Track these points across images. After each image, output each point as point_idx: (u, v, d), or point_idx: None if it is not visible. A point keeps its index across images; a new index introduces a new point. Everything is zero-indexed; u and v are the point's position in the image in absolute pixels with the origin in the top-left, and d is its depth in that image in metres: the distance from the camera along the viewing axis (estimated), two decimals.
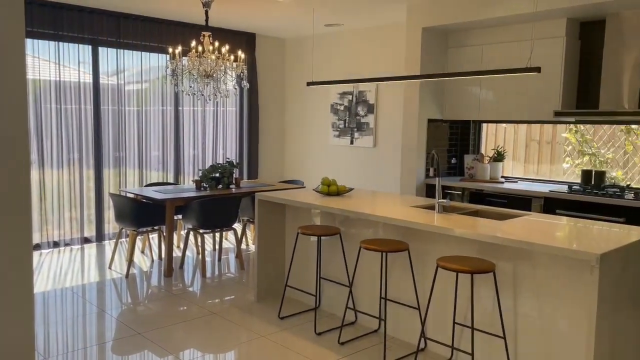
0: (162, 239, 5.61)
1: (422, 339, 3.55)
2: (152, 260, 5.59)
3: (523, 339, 3.01)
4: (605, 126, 4.99)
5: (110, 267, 5.28)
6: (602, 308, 2.53)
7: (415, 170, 5.57)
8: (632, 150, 4.84)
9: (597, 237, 2.84)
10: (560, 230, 3.01)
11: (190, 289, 4.70)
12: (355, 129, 7.02)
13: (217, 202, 5.05)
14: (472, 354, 2.90)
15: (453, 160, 5.93)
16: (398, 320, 3.69)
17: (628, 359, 2.87)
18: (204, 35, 5.26)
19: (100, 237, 6.35)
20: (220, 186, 5.63)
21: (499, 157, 5.55)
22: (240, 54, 5.50)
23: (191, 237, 6.52)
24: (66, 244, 6.10)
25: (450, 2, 5.14)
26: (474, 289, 3.23)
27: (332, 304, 4.17)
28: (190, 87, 5.32)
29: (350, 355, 3.42)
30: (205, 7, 5.32)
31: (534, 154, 5.57)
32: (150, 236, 6.39)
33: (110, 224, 6.43)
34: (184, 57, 5.36)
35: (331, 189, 4.21)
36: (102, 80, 6.23)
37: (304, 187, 6.06)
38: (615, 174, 4.93)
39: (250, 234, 6.75)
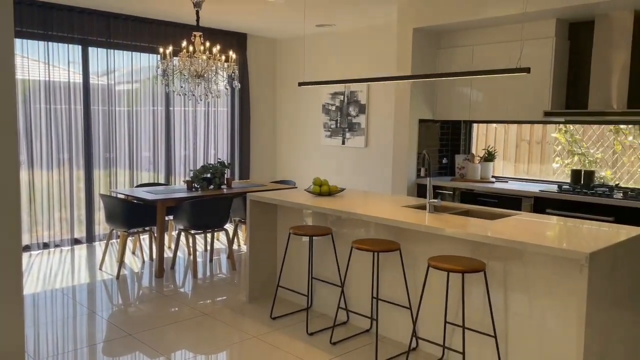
0: (153, 239, 5.59)
1: (414, 339, 3.56)
2: (143, 261, 5.57)
3: (514, 337, 3.03)
4: (595, 126, 5.03)
5: (100, 268, 5.25)
6: (592, 306, 2.55)
7: (406, 170, 5.58)
8: (620, 150, 4.89)
9: (586, 236, 2.86)
10: (550, 229, 3.03)
11: (182, 289, 4.68)
12: (347, 129, 7.03)
13: (209, 203, 5.04)
14: (463, 353, 2.92)
15: (444, 160, 5.95)
16: (390, 320, 3.70)
17: (618, 356, 2.89)
18: (195, 36, 5.25)
19: (90, 238, 6.32)
20: (212, 187, 5.61)
21: (489, 157, 5.58)
22: (232, 54, 5.49)
23: (182, 237, 6.50)
24: (56, 245, 6.06)
25: (441, 2, 5.16)
26: (464, 288, 3.25)
27: (324, 304, 4.17)
28: (181, 87, 5.30)
29: (342, 355, 3.42)
30: (196, 7, 5.30)
31: (524, 153, 5.61)
32: (141, 237, 6.36)
33: (101, 225, 6.39)
34: (174, 57, 5.34)
35: (323, 189, 4.21)
36: (92, 80, 6.19)
37: (296, 187, 6.06)
38: (604, 174, 4.97)
39: (241, 234, 6.74)
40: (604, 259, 2.62)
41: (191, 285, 4.82)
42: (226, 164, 5.75)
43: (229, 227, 7.10)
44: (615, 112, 4.30)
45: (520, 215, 3.49)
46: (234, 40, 7.35)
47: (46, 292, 4.53)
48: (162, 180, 6.86)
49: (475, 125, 5.98)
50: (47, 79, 5.82)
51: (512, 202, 4.88)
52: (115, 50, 6.30)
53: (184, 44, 5.19)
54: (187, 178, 6.99)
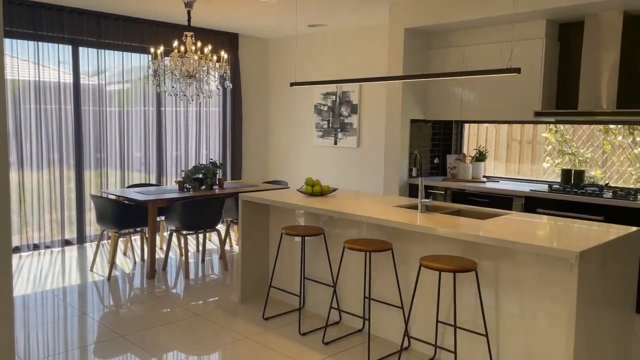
0: (144, 240, 5.56)
1: (406, 338, 3.57)
2: (135, 262, 5.54)
3: (505, 336, 3.05)
4: (584, 126, 5.07)
5: (91, 270, 5.22)
6: (582, 305, 2.57)
7: (398, 170, 5.60)
8: (610, 149, 4.93)
9: (576, 235, 2.88)
10: (541, 228, 3.05)
11: (174, 290, 4.67)
12: (339, 130, 7.04)
13: (200, 203, 5.02)
14: (455, 352, 2.93)
15: (436, 160, 5.97)
16: (382, 320, 3.71)
17: (607, 354, 2.92)
18: (186, 35, 5.23)
19: (81, 239, 6.28)
20: (204, 187, 5.60)
21: (480, 157, 5.61)
22: (223, 54, 5.48)
23: (174, 238, 6.48)
24: (46, 247, 6.02)
25: (432, 3, 5.18)
26: (456, 288, 3.26)
27: (316, 304, 4.17)
28: (173, 87, 5.28)
29: (334, 355, 3.43)
30: (187, 7, 5.29)
31: (515, 153, 5.64)
32: (133, 238, 6.33)
33: (92, 226, 6.35)
34: (166, 57, 5.32)
35: (315, 190, 4.21)
36: (83, 80, 6.16)
37: (288, 187, 6.06)
38: (594, 173, 5.01)
39: (234, 235, 6.73)
40: (594, 258, 2.64)
41: (183, 286, 4.80)
42: (218, 164, 5.74)
43: (221, 227, 7.09)
44: (605, 112, 4.34)
45: (511, 215, 3.51)
46: (226, 40, 7.33)
47: (36, 294, 4.50)
48: (153, 180, 6.84)
49: (466, 125, 6.00)
50: (37, 79, 5.78)
51: (503, 201, 4.91)
52: (106, 50, 6.26)
53: (175, 44, 5.17)
54: (179, 178, 6.96)
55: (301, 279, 3.91)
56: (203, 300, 4.42)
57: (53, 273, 5.10)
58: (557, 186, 4.85)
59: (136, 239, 6.47)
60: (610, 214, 4.28)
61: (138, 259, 5.67)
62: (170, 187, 5.75)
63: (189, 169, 5.66)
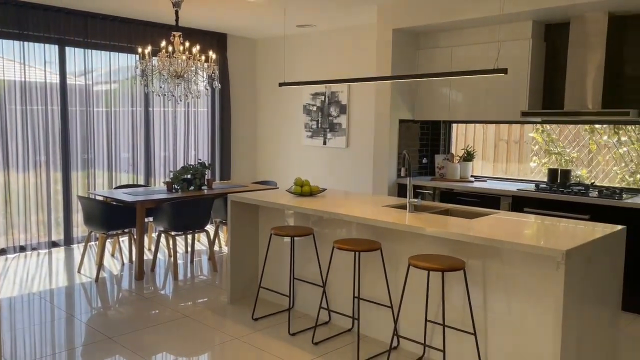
0: (132, 241, 5.53)
1: (395, 337, 3.59)
2: (123, 264, 5.51)
3: (493, 334, 3.07)
4: (571, 126, 5.13)
5: (79, 271, 5.18)
6: (569, 302, 2.60)
7: (387, 170, 5.62)
8: (596, 149, 4.99)
9: (563, 234, 2.91)
10: (528, 227, 3.08)
11: (162, 292, 4.64)
12: (328, 130, 7.05)
13: (189, 204, 5.00)
14: (443, 351, 2.95)
15: (424, 160, 6.00)
16: (371, 319, 3.72)
17: (594, 351, 2.95)
18: (174, 35, 5.21)
19: (68, 240, 6.22)
20: (192, 188, 5.58)
21: (468, 156, 5.65)
22: (211, 55, 5.46)
23: (162, 239, 6.44)
24: (33, 249, 5.96)
25: (420, 4, 5.20)
26: (445, 287, 3.28)
27: (305, 305, 4.18)
28: (161, 87, 5.25)
29: (324, 355, 3.43)
30: (175, 6, 5.27)
31: (502, 153, 5.69)
32: (121, 239, 6.29)
33: (79, 227, 6.30)
34: (153, 57, 5.29)
35: (304, 190, 4.22)
36: (70, 80, 6.11)
37: (277, 187, 6.06)
38: (580, 173, 5.07)
39: (223, 235, 6.71)
40: (580, 256, 2.67)
41: (172, 287, 4.78)
42: (207, 164, 5.72)
43: (210, 228, 7.07)
44: (591, 112, 4.39)
45: (498, 214, 3.54)
46: (214, 41, 7.31)
47: (23, 296, 4.45)
48: (141, 181, 6.80)
49: (454, 126, 6.04)
50: (22, 79, 5.72)
51: (490, 201, 4.95)
52: (93, 50, 6.22)
53: (163, 43, 5.14)
54: (167, 179, 6.93)
55: (290, 279, 3.91)
56: (192, 301, 4.40)
57: (40, 275, 5.06)
58: (544, 185, 4.90)
59: (124, 240, 6.43)
60: (596, 213, 4.33)
61: (126, 261, 5.64)
62: (159, 188, 5.72)
63: (178, 169, 5.63)
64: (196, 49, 5.32)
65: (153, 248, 6.05)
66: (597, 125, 4.95)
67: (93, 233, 5.29)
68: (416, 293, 3.45)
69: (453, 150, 6.03)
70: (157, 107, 6.89)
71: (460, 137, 6.02)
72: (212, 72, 5.44)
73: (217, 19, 6.43)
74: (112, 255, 5.81)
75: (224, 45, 7.46)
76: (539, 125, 5.35)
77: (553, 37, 5.00)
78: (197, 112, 7.33)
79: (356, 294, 3.79)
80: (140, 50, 5.28)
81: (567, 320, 2.61)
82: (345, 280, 3.88)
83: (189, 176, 5.58)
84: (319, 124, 7.15)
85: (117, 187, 5.87)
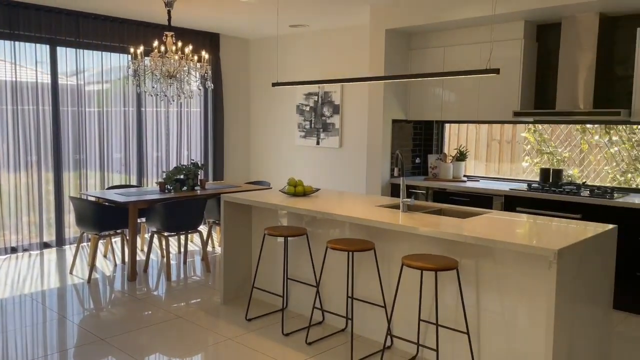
0: (125, 242, 5.50)
1: (389, 337, 3.60)
2: (115, 265, 5.48)
3: (486, 333, 3.09)
4: (562, 126, 5.16)
5: (71, 273, 5.15)
6: (561, 301, 2.62)
7: (380, 170, 5.63)
8: (587, 149, 5.02)
9: (555, 233, 2.93)
10: (520, 227, 3.10)
11: (155, 293, 4.63)
12: (321, 130, 7.05)
13: (182, 205, 4.99)
14: (437, 350, 2.95)
15: (417, 160, 6.02)
16: (365, 319, 3.73)
17: (586, 349, 2.97)
18: (166, 35, 5.19)
19: (60, 241, 6.18)
20: (185, 188, 5.56)
21: (461, 156, 5.67)
22: (204, 54, 5.45)
23: (155, 240, 6.42)
24: (24, 250, 5.92)
25: (413, 4, 5.22)
26: (438, 286, 3.29)
27: (299, 305, 4.18)
28: (153, 87, 5.24)
29: (317, 355, 3.43)
30: (167, 6, 5.25)
31: (494, 153, 5.71)
32: (113, 240, 6.26)
33: (71, 228, 6.27)
34: (146, 57, 5.27)
35: (297, 190, 4.21)
36: (61, 80, 6.07)
37: (270, 188, 6.05)
38: (572, 172, 5.10)
39: (216, 236, 6.69)
40: (571, 256, 2.69)
41: (165, 288, 4.77)
42: (199, 165, 5.70)
43: (203, 228, 7.05)
44: (582, 112, 4.42)
45: (491, 214, 3.56)
46: (207, 41, 7.29)
47: (14, 298, 4.42)
48: (134, 182, 6.77)
49: (447, 125, 6.06)
50: (13, 79, 5.68)
51: (483, 200, 4.97)
52: (85, 50, 6.18)
53: (156, 43, 5.13)
54: (160, 179, 6.91)
55: (284, 280, 3.91)
56: (185, 302, 4.39)
57: (31, 276, 5.02)
58: (536, 185, 4.92)
59: (117, 241, 6.40)
60: (588, 212, 4.36)
61: (119, 262, 5.61)
62: (151, 189, 5.70)
63: (170, 169, 5.61)
64: (189, 49, 5.31)
65: (146, 249, 6.03)
66: (588, 125, 4.98)
67: (85, 234, 5.27)
68: (409, 293, 3.46)
69: (446, 150, 6.05)
70: (150, 107, 6.86)
71: (453, 137, 6.04)
72: (205, 72, 5.43)
73: (210, 19, 6.41)
74: (105, 256, 5.79)
75: (217, 45, 7.45)
76: (531, 125, 5.38)
77: (545, 38, 5.02)
78: (190, 112, 7.31)
79: (350, 294, 3.80)
80: (132, 50, 5.26)
81: (559, 318, 2.62)
82: (338, 280, 3.88)
83: (181, 176, 5.56)
84: (312, 124, 7.15)
85: (109, 188, 5.85)
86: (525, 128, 5.45)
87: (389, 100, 5.59)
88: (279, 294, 4.30)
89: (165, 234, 5.12)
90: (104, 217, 4.88)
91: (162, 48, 5.13)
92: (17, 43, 5.67)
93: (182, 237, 6.39)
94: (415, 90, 5.68)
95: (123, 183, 6.62)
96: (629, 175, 4.77)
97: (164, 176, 5.48)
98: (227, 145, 7.78)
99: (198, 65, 5.36)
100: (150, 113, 6.87)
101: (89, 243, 6.33)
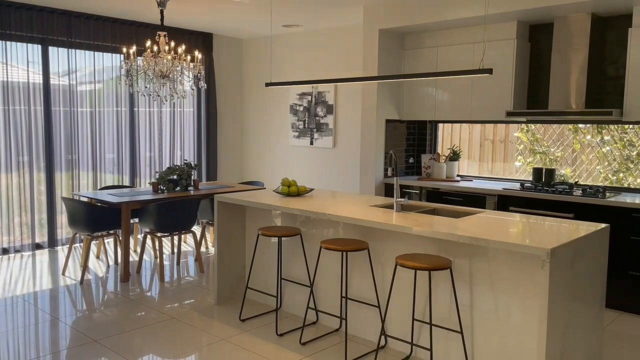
0: (118, 243, 5.48)
1: (383, 337, 3.60)
2: (108, 266, 5.45)
3: (479, 333, 3.09)
4: (555, 125, 5.18)
5: (63, 274, 5.12)
6: (553, 300, 2.63)
7: (374, 170, 5.63)
8: (579, 148, 5.04)
9: (547, 232, 2.94)
10: (513, 226, 3.11)
11: (148, 293, 4.61)
12: (315, 130, 7.05)
13: (175, 205, 4.97)
14: (430, 350, 2.96)
15: (410, 160, 6.03)
16: (359, 319, 3.73)
17: (578, 348, 2.99)
18: (159, 35, 5.17)
19: (52, 242, 6.15)
20: (178, 188, 5.54)
21: (454, 156, 5.68)
22: (197, 54, 5.43)
23: (148, 240, 6.39)
24: (16, 251, 5.88)
25: (406, 4, 5.23)
26: (431, 286, 3.30)
27: (293, 305, 4.17)
28: (146, 87, 5.21)
29: (312, 355, 3.43)
30: (160, 6, 5.23)
31: (488, 153, 5.73)
32: (106, 241, 6.23)
33: (63, 229, 6.23)
34: (138, 57, 5.25)
35: (291, 190, 4.21)
36: (53, 80, 6.03)
37: (264, 188, 6.04)
38: (565, 172, 5.13)
39: (209, 236, 6.67)
40: (564, 255, 2.70)
41: (158, 289, 4.75)
42: (193, 165, 5.68)
43: (197, 229, 7.03)
44: (574, 112, 4.44)
45: (484, 213, 3.57)
46: (200, 40, 7.27)
47: (6, 299, 4.39)
48: (126, 182, 6.74)
49: (440, 125, 6.07)
50: (5, 79, 5.64)
51: (476, 200, 4.98)
52: (77, 50, 6.15)
53: (148, 43, 5.10)
54: (153, 180, 6.88)
55: (278, 280, 3.91)
56: (178, 302, 4.38)
57: (23, 277, 4.99)
58: (529, 184, 4.94)
59: (109, 241, 6.37)
60: (580, 212, 4.39)
61: (112, 262, 5.58)
62: (144, 189, 5.67)
63: (163, 170, 5.59)
64: (182, 48, 5.29)
65: (139, 249, 6.00)
66: (580, 125, 5.00)
67: (78, 235, 5.24)
68: (403, 292, 3.47)
69: (439, 150, 6.06)
70: (143, 108, 6.83)
71: (447, 136, 6.05)
72: (198, 72, 5.41)
73: (203, 18, 6.39)
74: (97, 257, 5.76)
75: (210, 45, 7.43)
76: (523, 125, 5.40)
77: (537, 38, 5.05)
78: (183, 112, 7.29)
79: (344, 294, 3.80)
80: (125, 50, 5.24)
81: (552, 317, 2.63)
82: (332, 280, 3.88)
83: (175, 177, 5.54)
84: (306, 124, 7.14)
85: (102, 188, 5.82)
86: (518, 128, 5.47)
87: (383, 100, 5.59)
88: (273, 294, 4.30)
89: (159, 234, 5.10)
90: (96, 218, 4.85)
91: (155, 48, 5.12)
92: (8, 43, 5.63)
93: (176, 238, 6.37)
94: (409, 90, 5.69)
95: (116, 183, 6.59)
96: (621, 174, 4.80)
97: (157, 176, 5.46)
98: (220, 146, 7.76)
99: (191, 65, 5.35)
100: (143, 113, 6.85)
101: (82, 244, 6.30)
